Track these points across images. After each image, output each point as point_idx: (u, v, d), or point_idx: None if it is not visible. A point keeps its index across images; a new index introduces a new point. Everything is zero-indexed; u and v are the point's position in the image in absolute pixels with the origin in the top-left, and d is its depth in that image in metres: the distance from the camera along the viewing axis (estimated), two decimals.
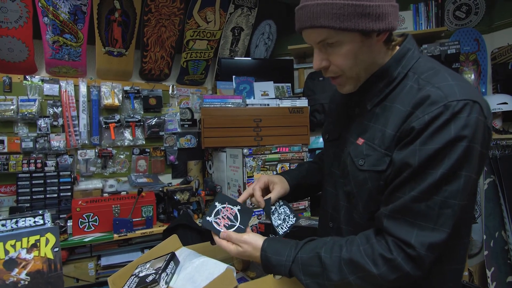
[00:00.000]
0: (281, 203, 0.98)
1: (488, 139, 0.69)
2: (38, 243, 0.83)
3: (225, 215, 0.90)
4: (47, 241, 0.84)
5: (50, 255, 0.83)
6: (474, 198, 0.75)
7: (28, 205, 2.08)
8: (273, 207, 0.96)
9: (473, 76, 2.60)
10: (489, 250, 2.17)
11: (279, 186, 0.99)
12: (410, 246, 0.65)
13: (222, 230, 0.88)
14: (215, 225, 0.89)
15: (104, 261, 2.07)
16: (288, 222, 0.96)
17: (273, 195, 0.97)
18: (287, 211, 0.98)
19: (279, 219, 0.96)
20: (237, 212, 0.91)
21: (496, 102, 2.26)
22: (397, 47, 0.79)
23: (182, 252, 1.07)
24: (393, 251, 0.66)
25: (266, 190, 1.01)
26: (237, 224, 0.89)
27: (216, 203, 0.92)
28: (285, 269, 0.77)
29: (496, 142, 2.28)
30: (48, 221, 0.89)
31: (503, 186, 2.18)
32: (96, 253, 2.10)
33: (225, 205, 0.92)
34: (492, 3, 2.55)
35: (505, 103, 2.25)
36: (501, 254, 2.20)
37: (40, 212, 0.89)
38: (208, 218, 0.90)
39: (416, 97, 0.69)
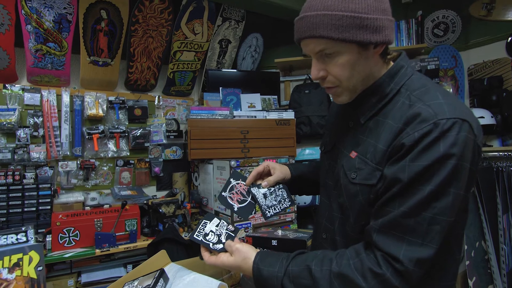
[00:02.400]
0: (281, 186, 1.03)
1: (478, 157, 0.71)
2: (21, 262, 0.78)
3: (238, 191, 0.99)
4: (31, 259, 0.80)
5: (33, 275, 0.79)
6: (465, 215, 0.77)
7: (5, 219, 1.97)
8: (272, 188, 1.01)
9: (451, 91, 2.71)
10: (470, 260, 2.22)
11: (279, 171, 1.03)
12: (398, 261, 0.66)
13: (235, 205, 0.96)
14: (229, 200, 0.98)
15: (85, 278, 1.99)
16: (282, 205, 1.00)
17: (272, 178, 1.00)
18: (285, 195, 1.02)
19: (275, 200, 1.00)
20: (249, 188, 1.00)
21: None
22: (391, 63, 0.82)
23: (171, 268, 1.04)
24: (382, 266, 0.67)
25: (267, 175, 1.04)
26: (249, 199, 0.98)
27: (231, 179, 1.00)
28: (278, 281, 0.76)
29: None
30: (32, 238, 0.85)
31: (482, 197, 2.26)
32: (76, 269, 2.02)
33: (238, 181, 1.00)
34: (467, 22, 2.68)
35: (482, 117, 2.35)
36: (482, 263, 2.26)
37: (23, 228, 0.85)
38: (223, 193, 0.98)
39: (407, 113, 0.71)
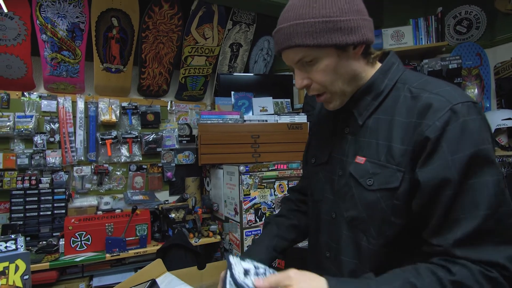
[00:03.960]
0: (270, 270, 0.74)
1: (494, 141, 0.69)
2: (6, 270, 0.78)
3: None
4: (17, 268, 0.80)
5: (19, 283, 0.79)
6: None
7: (22, 222, 2.04)
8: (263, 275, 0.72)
9: (476, 91, 2.55)
10: None
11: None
12: (501, 266, 0.59)
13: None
14: None
15: (96, 282, 2.01)
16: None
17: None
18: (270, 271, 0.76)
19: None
20: None
21: (501, 117, 2.20)
22: (378, 63, 0.79)
23: (165, 278, 1.01)
24: (492, 270, 0.59)
25: None
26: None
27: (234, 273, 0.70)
28: None
29: (502, 160, 2.20)
30: (21, 246, 0.85)
31: None
32: (88, 273, 2.04)
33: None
34: (493, 18, 2.52)
35: (510, 118, 2.18)
36: None
37: (12, 236, 0.85)
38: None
39: (417, 106, 0.68)
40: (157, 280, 0.96)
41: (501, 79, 2.44)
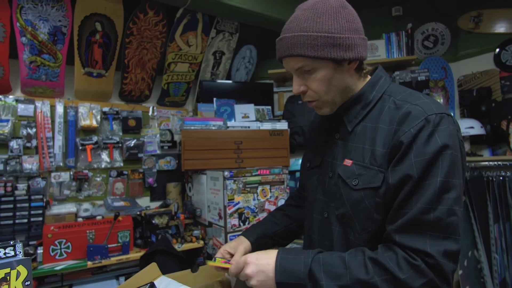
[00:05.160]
0: None
1: (463, 150, 0.77)
2: (8, 277, 0.78)
3: None
4: (18, 274, 0.80)
5: None
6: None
7: None
8: None
9: (442, 101, 2.76)
10: (463, 269, 2.23)
11: (241, 247, 1.00)
12: (428, 255, 0.67)
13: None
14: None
15: None
16: None
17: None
18: None
19: None
20: None
21: (464, 126, 2.40)
22: (369, 76, 0.88)
23: (162, 281, 1.04)
24: (417, 258, 0.68)
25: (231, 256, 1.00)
26: None
27: None
28: (305, 267, 0.74)
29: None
30: (20, 252, 0.85)
31: (474, 207, 2.28)
32: (68, 282, 1.99)
33: None
34: (457, 35, 2.75)
35: (472, 127, 2.39)
36: (475, 272, 2.27)
37: (11, 242, 0.85)
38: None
39: (398, 114, 0.77)
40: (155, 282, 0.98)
41: (464, 91, 2.66)
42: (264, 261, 0.79)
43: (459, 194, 0.71)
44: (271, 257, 0.79)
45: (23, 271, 0.81)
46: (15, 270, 0.79)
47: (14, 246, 0.85)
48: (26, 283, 0.80)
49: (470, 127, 2.39)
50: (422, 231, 0.69)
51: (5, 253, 0.82)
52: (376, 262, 0.70)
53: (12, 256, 0.83)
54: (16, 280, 0.79)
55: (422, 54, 2.83)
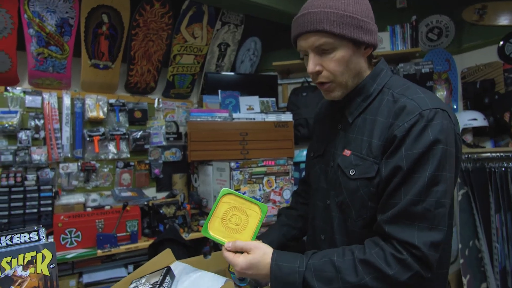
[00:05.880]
0: None
1: (460, 144, 0.79)
2: (34, 260, 0.81)
3: None
4: (44, 257, 0.83)
5: (46, 272, 0.82)
6: (452, 203, 0.82)
7: (6, 221, 2.00)
8: None
9: (445, 94, 2.77)
10: (464, 259, 2.28)
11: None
12: (415, 247, 0.70)
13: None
14: None
15: (86, 278, 2.01)
16: None
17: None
18: None
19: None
20: None
21: (467, 118, 2.42)
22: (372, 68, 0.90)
23: (177, 266, 1.07)
24: (403, 252, 0.71)
25: None
26: None
27: None
28: (299, 276, 0.75)
29: (468, 156, 2.43)
30: (43, 237, 0.88)
31: (475, 197, 2.31)
32: (78, 270, 2.04)
33: None
34: (461, 27, 2.75)
35: (475, 119, 2.41)
36: (476, 262, 2.32)
37: (35, 227, 0.88)
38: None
39: (395, 108, 0.79)
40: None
41: (467, 83, 2.68)
42: (259, 268, 0.80)
43: (448, 187, 0.73)
44: (265, 267, 0.79)
45: (48, 255, 0.84)
46: (41, 254, 0.83)
47: (37, 231, 0.88)
48: (51, 266, 0.84)
49: (473, 119, 2.42)
50: (410, 222, 0.72)
51: (29, 238, 0.86)
52: (365, 262, 0.72)
53: (37, 241, 0.86)
54: (42, 263, 0.82)
55: (426, 47, 2.83)
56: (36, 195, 2.09)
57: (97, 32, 2.17)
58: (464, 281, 2.23)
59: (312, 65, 0.82)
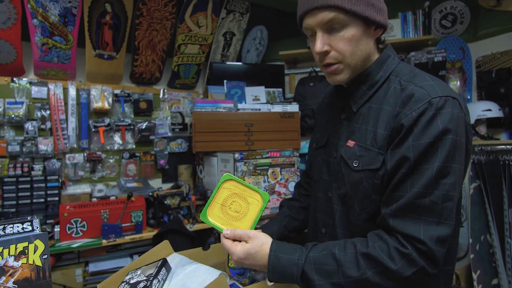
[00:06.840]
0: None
1: (470, 134, 0.74)
2: (26, 250, 0.81)
3: None
4: (36, 248, 0.82)
5: (38, 263, 0.82)
6: (460, 196, 0.78)
7: (14, 210, 2.04)
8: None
9: (458, 83, 2.67)
10: (475, 254, 2.22)
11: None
12: (420, 242, 0.66)
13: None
14: None
15: (92, 268, 2.04)
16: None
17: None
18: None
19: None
20: None
21: (481, 108, 2.33)
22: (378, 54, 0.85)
23: (174, 258, 1.06)
24: (407, 246, 0.67)
25: None
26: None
27: None
28: (298, 269, 0.72)
29: (481, 148, 2.34)
30: (37, 227, 0.87)
31: (488, 191, 2.24)
32: (84, 259, 2.07)
33: None
34: (476, 13, 2.63)
35: (489, 109, 2.31)
36: (487, 257, 2.25)
37: (28, 218, 0.88)
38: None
39: (402, 96, 0.74)
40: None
41: (482, 72, 2.57)
42: (257, 258, 0.77)
43: (457, 179, 0.69)
44: (263, 257, 0.76)
45: (40, 245, 0.83)
46: (33, 244, 0.82)
47: (31, 221, 0.88)
48: (44, 257, 0.83)
49: (487, 109, 2.32)
50: (416, 215, 0.68)
51: (23, 228, 0.85)
52: (367, 256, 0.69)
53: (30, 231, 0.86)
54: (34, 253, 0.82)
55: (440, 34, 2.72)
56: (43, 185, 2.12)
57: (100, 22, 2.15)
58: (474, 276, 2.17)
59: (320, 44, 0.76)
